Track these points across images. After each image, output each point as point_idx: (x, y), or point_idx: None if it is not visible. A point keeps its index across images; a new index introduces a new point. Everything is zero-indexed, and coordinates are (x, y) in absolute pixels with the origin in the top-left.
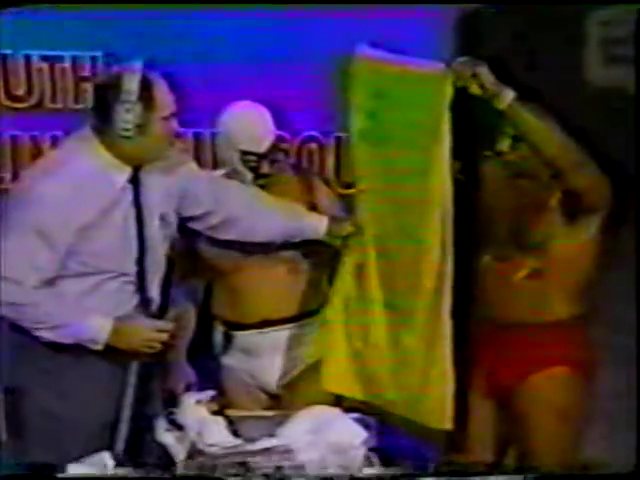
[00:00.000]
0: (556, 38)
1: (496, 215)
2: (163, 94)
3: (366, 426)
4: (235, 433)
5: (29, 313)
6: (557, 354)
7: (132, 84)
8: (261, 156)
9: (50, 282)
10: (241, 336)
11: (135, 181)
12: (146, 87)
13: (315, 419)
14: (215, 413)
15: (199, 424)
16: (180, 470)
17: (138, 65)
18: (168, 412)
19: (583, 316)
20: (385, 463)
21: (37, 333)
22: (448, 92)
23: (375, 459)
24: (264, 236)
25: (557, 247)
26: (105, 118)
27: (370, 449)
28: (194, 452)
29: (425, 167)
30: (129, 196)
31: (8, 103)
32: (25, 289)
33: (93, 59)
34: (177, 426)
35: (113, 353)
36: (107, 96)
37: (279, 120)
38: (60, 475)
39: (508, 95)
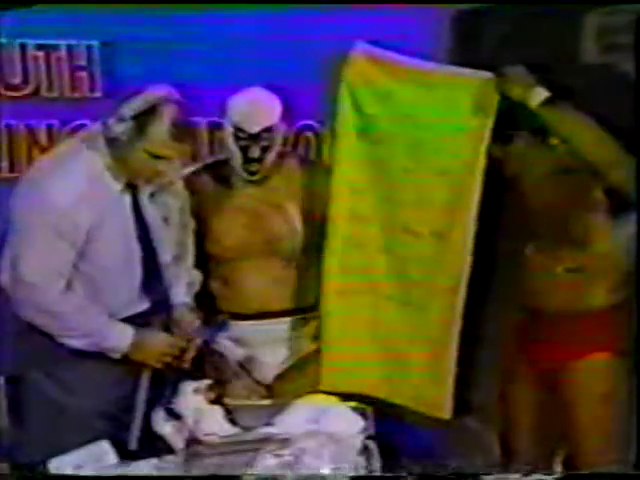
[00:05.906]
0: (554, 29)
1: (541, 208)
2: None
3: (363, 414)
4: (233, 422)
5: (56, 321)
6: (599, 340)
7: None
8: (252, 137)
9: (69, 286)
10: (234, 326)
11: (133, 187)
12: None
13: (313, 408)
14: (213, 402)
15: (196, 413)
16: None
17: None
18: (166, 402)
19: (623, 304)
20: (383, 451)
21: (62, 340)
22: (493, 98)
23: (373, 447)
24: None
25: (599, 242)
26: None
27: (368, 437)
28: (192, 441)
29: (451, 169)
30: (127, 200)
31: (4, 92)
32: (52, 296)
33: (89, 48)
34: (175, 415)
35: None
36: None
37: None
38: (59, 473)
39: (540, 94)
